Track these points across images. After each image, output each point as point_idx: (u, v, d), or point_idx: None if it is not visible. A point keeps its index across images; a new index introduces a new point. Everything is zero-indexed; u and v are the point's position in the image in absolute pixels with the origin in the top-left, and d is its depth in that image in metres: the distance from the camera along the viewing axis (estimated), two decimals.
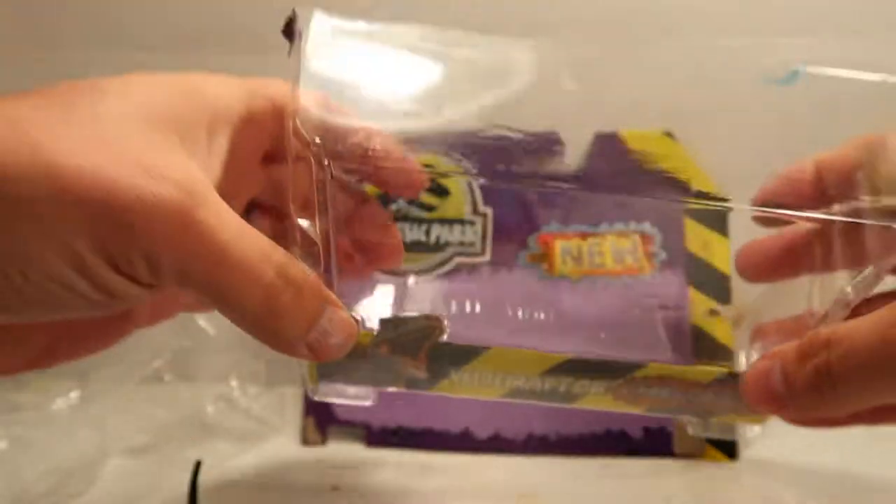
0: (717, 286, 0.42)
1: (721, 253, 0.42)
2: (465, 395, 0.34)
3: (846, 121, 0.44)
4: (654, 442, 0.41)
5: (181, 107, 0.24)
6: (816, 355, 0.26)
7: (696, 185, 0.43)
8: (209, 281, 0.23)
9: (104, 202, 0.21)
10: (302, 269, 0.25)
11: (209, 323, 0.44)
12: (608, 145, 0.44)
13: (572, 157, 0.45)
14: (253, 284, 0.23)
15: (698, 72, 0.44)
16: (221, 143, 0.26)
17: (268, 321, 0.24)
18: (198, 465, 0.39)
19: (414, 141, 0.43)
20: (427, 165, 0.44)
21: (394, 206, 0.43)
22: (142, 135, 0.22)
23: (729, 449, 0.41)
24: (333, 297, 0.26)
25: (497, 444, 0.42)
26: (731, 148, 0.45)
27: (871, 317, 0.26)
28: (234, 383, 0.43)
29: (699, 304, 0.42)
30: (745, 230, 0.46)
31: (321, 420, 0.42)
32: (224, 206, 0.23)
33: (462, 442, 0.42)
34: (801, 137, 0.45)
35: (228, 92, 0.27)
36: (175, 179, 0.22)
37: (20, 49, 0.45)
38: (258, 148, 0.29)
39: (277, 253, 0.24)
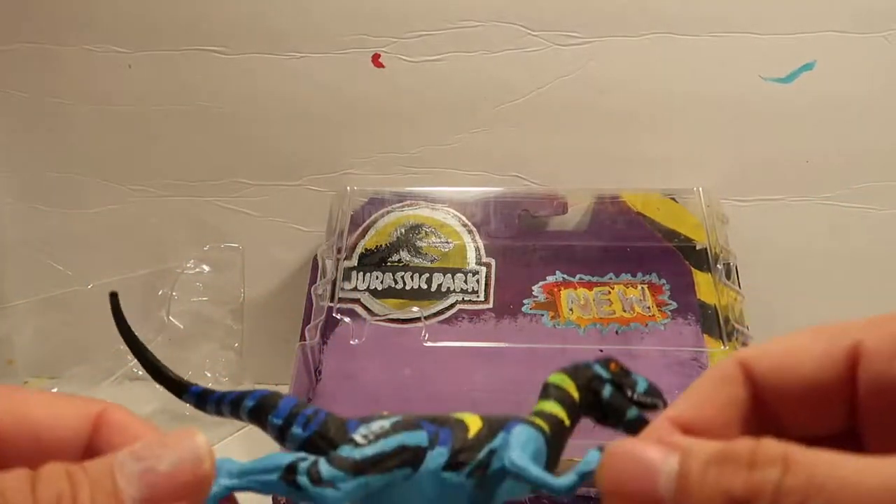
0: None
1: (734, 305, 0.40)
2: None
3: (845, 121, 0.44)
4: None
5: None
6: (756, 468, 0.15)
7: (699, 243, 0.43)
8: None
9: None
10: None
11: (178, 319, 0.42)
12: (610, 205, 0.44)
13: (574, 215, 0.45)
14: None
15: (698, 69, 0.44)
16: None
17: None
18: None
19: (433, 201, 0.44)
20: (437, 227, 0.44)
21: (396, 258, 0.43)
22: None
23: None
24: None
25: None
26: (731, 144, 0.44)
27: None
28: (207, 374, 0.39)
29: (717, 354, 0.39)
30: (756, 282, 0.44)
31: None
32: None
33: None
34: (800, 136, 0.44)
35: None
36: None
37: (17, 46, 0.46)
38: None
39: None
